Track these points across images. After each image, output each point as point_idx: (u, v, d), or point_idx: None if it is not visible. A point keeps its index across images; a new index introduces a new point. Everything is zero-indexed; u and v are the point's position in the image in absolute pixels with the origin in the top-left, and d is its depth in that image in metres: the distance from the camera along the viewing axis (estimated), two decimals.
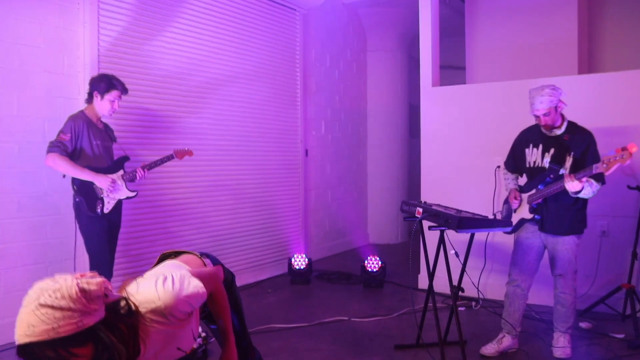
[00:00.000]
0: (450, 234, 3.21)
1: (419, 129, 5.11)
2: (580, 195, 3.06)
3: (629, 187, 3.85)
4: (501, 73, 5.69)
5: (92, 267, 3.43)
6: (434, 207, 3.27)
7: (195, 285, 1.56)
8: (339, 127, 6.82)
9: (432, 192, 4.84)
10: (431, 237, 3.43)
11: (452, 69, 7.26)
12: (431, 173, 5.00)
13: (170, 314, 1.47)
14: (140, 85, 4.25)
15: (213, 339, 2.69)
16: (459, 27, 6.44)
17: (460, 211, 3.22)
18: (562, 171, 3.13)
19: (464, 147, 4.80)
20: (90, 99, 3.46)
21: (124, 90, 3.50)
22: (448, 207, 3.36)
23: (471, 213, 3.23)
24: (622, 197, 3.99)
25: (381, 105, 7.43)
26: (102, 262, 3.43)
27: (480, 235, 3.80)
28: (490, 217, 3.38)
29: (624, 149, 2.86)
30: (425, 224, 3.28)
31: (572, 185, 3.01)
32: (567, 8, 5.53)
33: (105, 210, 3.42)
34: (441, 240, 3.25)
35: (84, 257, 3.50)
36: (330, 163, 6.61)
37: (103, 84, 3.41)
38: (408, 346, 3.48)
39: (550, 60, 5.47)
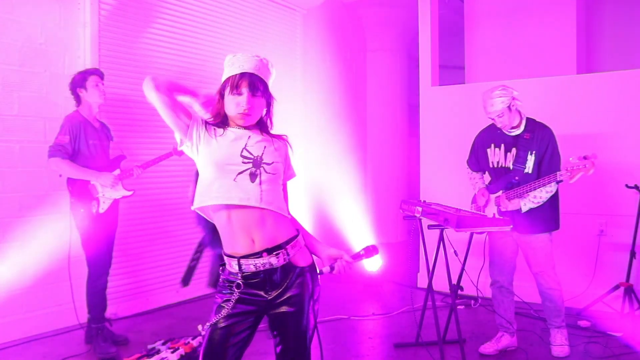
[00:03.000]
0: (449, 233, 3.23)
1: (418, 128, 5.12)
2: (524, 208, 3.11)
3: (627, 186, 3.87)
4: (500, 72, 5.70)
5: (90, 267, 3.43)
6: (433, 206, 3.29)
7: None
8: (338, 126, 6.82)
9: (431, 191, 4.85)
10: (430, 236, 3.45)
11: (451, 69, 7.27)
12: (430, 172, 5.02)
13: None
14: (141, 84, 4.25)
15: None
16: (458, 26, 6.45)
17: (460, 210, 3.24)
18: (525, 170, 3.14)
19: (463, 146, 4.78)
20: (78, 98, 3.44)
21: (98, 71, 3.48)
22: (447, 206, 3.38)
23: (470, 212, 3.25)
24: (619, 196, 4.01)
25: (381, 104, 7.44)
26: (99, 261, 3.43)
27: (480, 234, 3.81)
28: (489, 216, 3.39)
29: (586, 157, 2.85)
30: (425, 222, 3.29)
31: (505, 206, 3.10)
32: (565, 8, 5.54)
33: (101, 211, 3.41)
34: (440, 239, 3.27)
35: (82, 257, 3.50)
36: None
37: (78, 77, 3.42)
38: (407, 345, 3.50)
39: (549, 60, 5.48)
